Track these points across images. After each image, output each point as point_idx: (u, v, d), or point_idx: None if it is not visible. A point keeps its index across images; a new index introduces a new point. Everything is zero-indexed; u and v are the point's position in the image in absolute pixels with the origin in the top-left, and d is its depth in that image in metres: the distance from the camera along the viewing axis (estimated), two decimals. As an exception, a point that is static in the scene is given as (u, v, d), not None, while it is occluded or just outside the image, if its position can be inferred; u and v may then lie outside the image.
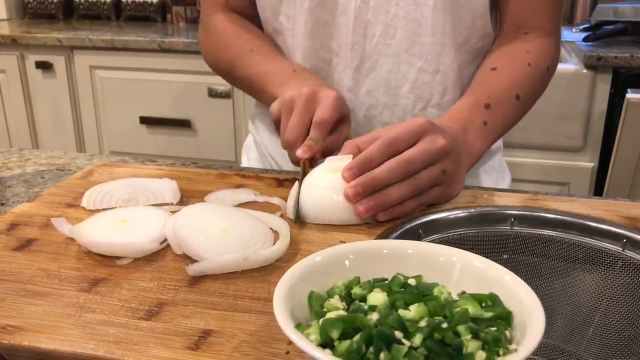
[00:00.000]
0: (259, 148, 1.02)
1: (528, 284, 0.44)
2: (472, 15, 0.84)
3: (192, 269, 0.55)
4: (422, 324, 0.40)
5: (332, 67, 0.87)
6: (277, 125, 0.78)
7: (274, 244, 0.60)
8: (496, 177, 0.96)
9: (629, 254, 0.63)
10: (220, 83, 2.14)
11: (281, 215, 0.67)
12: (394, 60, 0.85)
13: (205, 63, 1.00)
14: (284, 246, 0.59)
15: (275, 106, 0.77)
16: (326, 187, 0.67)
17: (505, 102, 0.80)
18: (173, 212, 0.65)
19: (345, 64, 0.86)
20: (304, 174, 0.71)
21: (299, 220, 0.67)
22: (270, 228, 0.64)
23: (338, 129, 0.77)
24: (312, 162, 0.73)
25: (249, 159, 1.05)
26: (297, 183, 0.70)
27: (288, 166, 0.95)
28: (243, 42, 0.91)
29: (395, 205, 0.66)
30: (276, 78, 0.84)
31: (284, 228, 0.62)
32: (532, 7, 0.86)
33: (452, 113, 0.77)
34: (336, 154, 0.71)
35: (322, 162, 0.72)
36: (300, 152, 0.71)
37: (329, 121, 0.73)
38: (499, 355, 0.39)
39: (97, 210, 0.69)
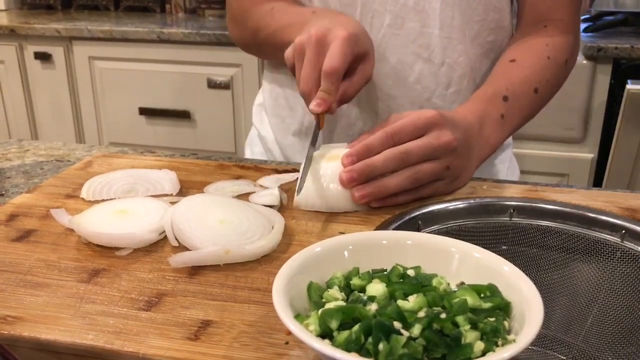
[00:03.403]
0: (264, 143, 1.00)
1: (527, 274, 0.44)
2: (485, 8, 0.83)
3: (174, 260, 0.55)
4: (421, 314, 0.40)
5: None
6: (292, 71, 0.75)
7: (272, 235, 0.60)
8: (507, 171, 0.96)
9: (627, 245, 0.63)
10: (219, 74, 2.13)
11: (280, 208, 0.67)
12: (402, 51, 0.83)
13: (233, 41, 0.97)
14: (272, 242, 0.58)
15: (288, 52, 0.74)
16: (318, 175, 0.67)
17: (523, 95, 0.79)
18: (172, 203, 0.65)
19: None
20: (319, 127, 0.70)
21: (301, 190, 0.66)
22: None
23: (358, 68, 0.73)
24: (330, 111, 0.70)
25: (253, 153, 1.02)
26: (309, 146, 0.69)
27: (296, 158, 0.93)
28: (266, 3, 0.88)
29: (390, 196, 0.66)
30: (297, 27, 0.78)
31: (278, 224, 0.61)
32: (552, 0, 0.85)
33: (469, 104, 0.76)
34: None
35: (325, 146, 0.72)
36: (313, 106, 0.68)
37: (338, 69, 0.68)
38: (497, 346, 0.39)
39: (97, 201, 0.69)
